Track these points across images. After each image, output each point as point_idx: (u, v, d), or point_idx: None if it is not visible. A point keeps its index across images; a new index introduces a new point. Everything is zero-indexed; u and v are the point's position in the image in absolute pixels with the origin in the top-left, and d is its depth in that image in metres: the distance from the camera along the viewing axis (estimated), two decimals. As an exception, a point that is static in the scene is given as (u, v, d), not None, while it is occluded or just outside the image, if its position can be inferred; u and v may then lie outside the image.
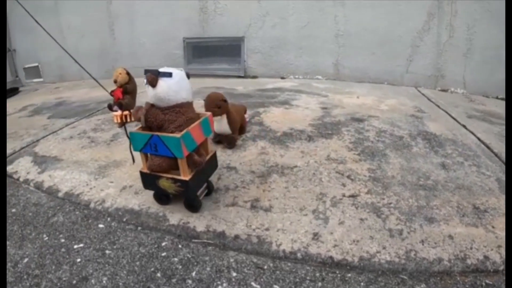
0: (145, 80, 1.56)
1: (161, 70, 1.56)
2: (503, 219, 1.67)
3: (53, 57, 5.24)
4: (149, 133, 1.58)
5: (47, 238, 1.72)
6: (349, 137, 2.59)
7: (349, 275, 1.44)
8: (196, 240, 1.65)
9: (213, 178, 2.05)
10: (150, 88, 1.56)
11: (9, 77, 5.72)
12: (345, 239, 1.59)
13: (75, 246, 1.65)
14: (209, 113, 1.80)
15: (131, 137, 1.63)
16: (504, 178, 2.03)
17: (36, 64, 5.73)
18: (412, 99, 3.70)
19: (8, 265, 1.54)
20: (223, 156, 2.34)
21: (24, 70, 5.84)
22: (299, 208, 1.81)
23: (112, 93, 2.80)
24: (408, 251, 1.52)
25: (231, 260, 1.53)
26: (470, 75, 4.08)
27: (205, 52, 4.97)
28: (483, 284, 1.38)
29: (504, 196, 1.85)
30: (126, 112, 2.63)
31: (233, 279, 1.43)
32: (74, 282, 1.44)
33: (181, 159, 1.58)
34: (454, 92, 4.15)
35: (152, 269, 1.49)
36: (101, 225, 1.79)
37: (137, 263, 1.53)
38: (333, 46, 4.50)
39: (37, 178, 2.26)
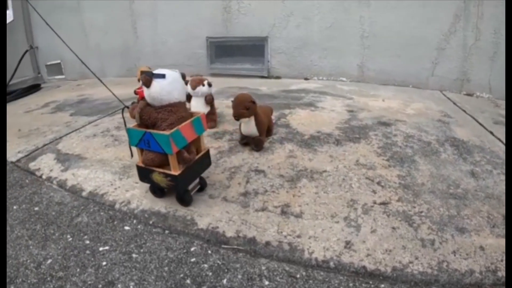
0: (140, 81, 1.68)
1: (155, 71, 1.66)
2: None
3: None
4: (143, 129, 1.67)
5: (71, 238, 1.67)
6: (377, 141, 2.49)
7: (383, 286, 1.37)
8: (226, 246, 1.58)
9: (241, 181, 1.98)
10: (145, 88, 1.67)
11: (31, 74, 5.81)
12: (378, 248, 1.53)
13: (100, 249, 1.59)
14: (201, 113, 1.85)
15: (128, 132, 1.73)
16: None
17: (58, 61, 5.79)
18: (438, 103, 3.56)
19: (31, 265, 1.50)
20: (250, 158, 2.26)
21: (46, 67, 5.91)
22: (330, 215, 1.72)
23: (136, 91, 2.76)
24: (440, 262, 1.46)
25: (263, 267, 1.46)
26: (496, 79, 3.89)
27: (228, 51, 4.91)
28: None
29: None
30: None
31: (267, 289, 1.35)
32: (100, 286, 1.38)
33: (171, 155, 1.65)
34: (479, 97, 3.97)
35: (182, 275, 1.42)
36: (127, 227, 1.73)
37: (166, 268, 1.46)
38: (358, 47, 4.37)
39: (60, 176, 2.22)
